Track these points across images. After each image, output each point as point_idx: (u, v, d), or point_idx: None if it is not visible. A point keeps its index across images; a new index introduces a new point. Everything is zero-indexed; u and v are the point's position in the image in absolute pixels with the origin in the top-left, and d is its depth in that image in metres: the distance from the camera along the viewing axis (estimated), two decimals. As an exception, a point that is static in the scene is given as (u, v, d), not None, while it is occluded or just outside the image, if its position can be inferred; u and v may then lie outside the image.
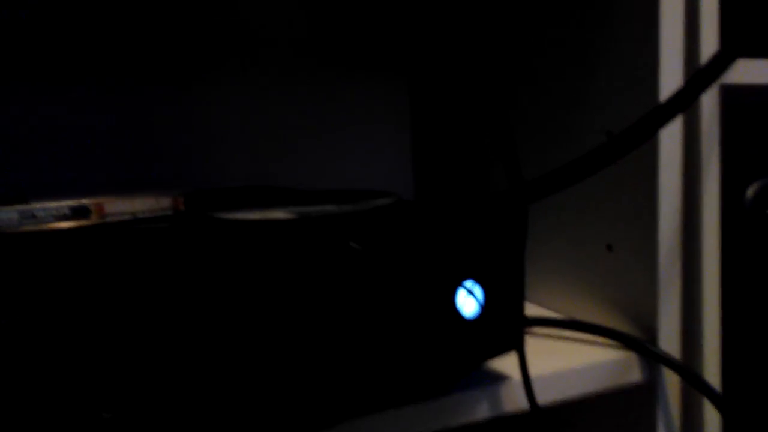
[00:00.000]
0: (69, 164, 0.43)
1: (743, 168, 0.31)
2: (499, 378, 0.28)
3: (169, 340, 0.18)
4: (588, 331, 0.32)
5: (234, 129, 0.48)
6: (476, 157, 0.45)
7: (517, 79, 0.39)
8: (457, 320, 0.24)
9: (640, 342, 0.30)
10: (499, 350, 0.26)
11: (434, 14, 0.50)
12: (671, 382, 0.31)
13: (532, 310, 0.38)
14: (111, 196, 0.27)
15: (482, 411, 0.27)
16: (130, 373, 0.18)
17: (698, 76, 0.22)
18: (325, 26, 0.50)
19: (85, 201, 0.24)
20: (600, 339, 0.33)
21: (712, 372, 0.31)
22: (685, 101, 0.22)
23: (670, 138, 0.30)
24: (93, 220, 0.25)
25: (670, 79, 0.29)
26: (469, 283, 0.25)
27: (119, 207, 0.25)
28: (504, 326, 0.26)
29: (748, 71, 0.31)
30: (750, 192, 0.31)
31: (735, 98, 0.31)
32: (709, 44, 0.30)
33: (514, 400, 0.28)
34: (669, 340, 0.30)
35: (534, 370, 0.29)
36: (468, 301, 0.25)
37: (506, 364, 0.30)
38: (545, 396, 0.28)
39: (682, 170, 0.30)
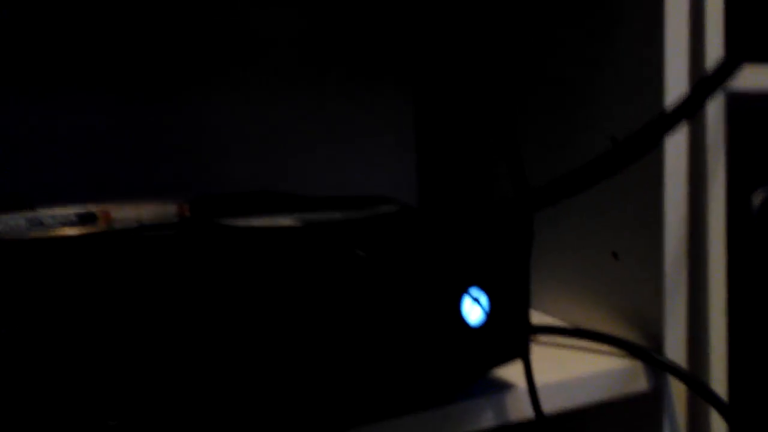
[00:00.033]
0: (71, 168, 0.43)
1: (749, 175, 0.31)
2: (504, 386, 0.28)
3: (176, 348, 0.18)
4: (593, 339, 0.32)
5: (239, 135, 0.48)
6: (480, 164, 0.45)
7: (522, 87, 0.39)
8: (463, 328, 0.24)
9: (646, 350, 0.30)
10: (505, 358, 0.26)
11: (439, 21, 0.50)
12: (677, 390, 0.31)
13: (537, 318, 0.38)
14: (117, 202, 0.27)
15: (487, 419, 0.27)
16: (137, 380, 0.18)
17: (704, 83, 0.22)
18: (330, 33, 0.50)
19: (91, 207, 0.25)
20: (605, 347, 0.33)
21: (718, 381, 0.31)
22: (691, 108, 0.22)
23: (676, 145, 0.30)
24: (99, 226, 0.25)
25: (676, 85, 0.29)
26: (474, 291, 0.24)
27: (125, 213, 0.25)
28: (509, 334, 0.26)
29: (753, 78, 0.31)
30: (756, 199, 0.31)
31: (740, 105, 0.31)
32: (714, 50, 0.30)
33: (520, 408, 0.27)
34: (675, 349, 0.30)
35: (539, 379, 0.28)
36: (473, 309, 0.25)
37: (511, 372, 0.29)
38: (551, 404, 0.28)
39: (687, 177, 0.30)
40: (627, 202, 0.32)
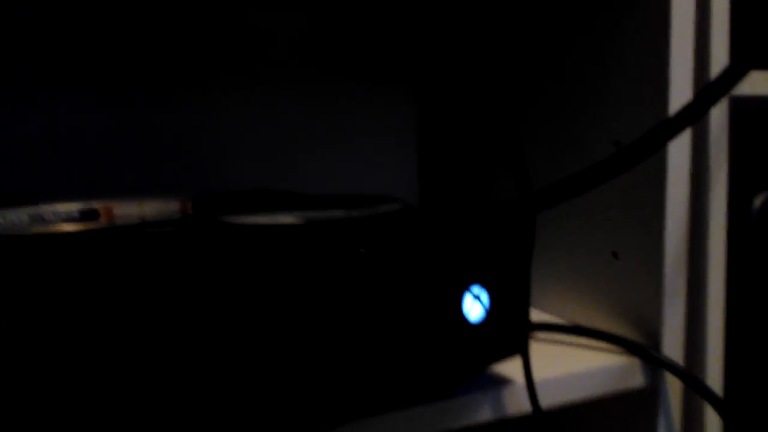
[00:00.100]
0: (74, 169, 0.43)
1: (750, 178, 0.31)
2: (502, 381, 0.28)
3: (177, 345, 0.18)
4: (592, 336, 0.33)
5: (240, 135, 0.48)
6: (481, 165, 0.45)
7: (526, 90, 0.39)
8: (463, 325, 0.25)
9: (644, 348, 0.30)
10: (504, 354, 0.26)
11: (441, 21, 0.49)
12: (673, 387, 0.31)
13: (536, 315, 0.39)
14: (119, 199, 0.27)
15: (485, 414, 0.27)
16: (138, 377, 0.18)
17: (708, 90, 0.22)
18: (331, 33, 0.49)
19: (94, 204, 0.24)
20: (603, 344, 0.33)
21: (714, 378, 0.31)
22: (695, 114, 0.22)
23: (679, 148, 0.30)
24: (102, 223, 0.25)
25: (680, 91, 0.29)
26: (475, 289, 0.25)
27: (128, 210, 0.25)
28: (509, 331, 0.26)
29: (757, 83, 0.31)
30: (757, 202, 0.31)
31: (743, 109, 0.30)
32: (720, 57, 0.30)
33: (518, 403, 0.28)
34: (672, 347, 0.31)
35: (538, 374, 0.29)
36: (474, 306, 0.25)
37: (510, 367, 0.30)
38: (548, 399, 0.29)
39: (689, 179, 0.30)
40: (628, 202, 0.32)
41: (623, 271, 0.32)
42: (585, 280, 0.35)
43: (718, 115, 0.30)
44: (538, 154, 0.38)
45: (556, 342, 0.34)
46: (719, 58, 0.30)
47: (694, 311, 0.32)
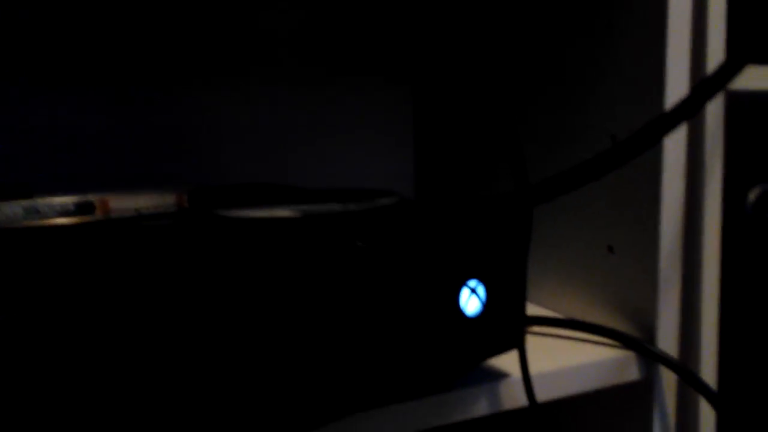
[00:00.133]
0: (71, 165, 0.43)
1: (745, 172, 0.31)
2: (499, 375, 0.28)
3: (173, 338, 0.18)
4: (587, 330, 0.33)
5: (239, 132, 0.48)
6: (477, 160, 0.45)
7: (523, 86, 0.39)
8: (460, 318, 0.25)
9: (639, 341, 0.31)
10: (501, 348, 0.26)
11: (438, 17, 0.49)
12: (668, 380, 0.31)
13: (532, 309, 0.39)
14: (115, 192, 0.27)
15: (482, 407, 0.27)
16: (133, 370, 0.18)
17: (704, 85, 0.22)
18: (329, 29, 0.49)
19: (89, 197, 0.24)
20: (599, 338, 0.33)
21: (708, 371, 0.32)
22: (691, 109, 0.22)
23: (674, 142, 0.30)
24: (97, 216, 0.25)
25: (676, 86, 0.29)
26: (472, 282, 0.25)
27: (123, 203, 0.25)
28: (506, 325, 0.26)
29: (753, 77, 0.31)
30: (751, 196, 0.31)
31: (739, 104, 0.31)
32: (716, 52, 0.30)
33: (514, 396, 0.28)
34: (667, 340, 0.31)
35: (534, 368, 0.29)
36: (471, 300, 0.25)
37: (506, 361, 0.30)
38: (544, 393, 0.29)
39: (685, 173, 0.30)
40: (624, 196, 0.32)
41: (618, 265, 0.33)
42: (580, 274, 0.35)
43: (714, 110, 0.30)
44: (534, 149, 0.38)
45: (551, 336, 0.34)
46: (715, 53, 0.30)
47: (688, 305, 0.32)
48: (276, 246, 0.20)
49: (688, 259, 0.32)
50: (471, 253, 0.25)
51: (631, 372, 0.31)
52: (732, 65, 0.22)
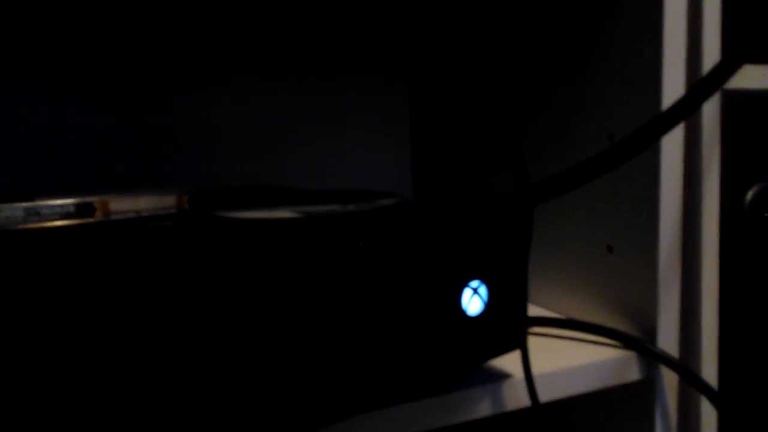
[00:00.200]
0: (71, 166, 0.43)
1: (743, 171, 0.32)
2: (501, 376, 0.28)
3: (175, 340, 0.18)
4: (588, 330, 0.33)
5: (236, 131, 0.48)
6: (475, 160, 0.45)
7: (521, 87, 0.39)
8: (462, 319, 0.25)
9: (640, 341, 0.31)
10: (503, 349, 0.26)
11: (436, 17, 0.50)
12: (669, 380, 0.31)
13: (532, 310, 0.39)
14: (116, 194, 0.27)
15: (485, 408, 0.27)
16: (135, 372, 0.18)
17: (700, 85, 0.22)
18: (326, 29, 0.49)
19: (89, 199, 0.24)
20: (600, 338, 0.33)
21: (709, 370, 0.32)
22: (688, 109, 0.23)
23: (672, 142, 0.30)
24: (97, 217, 0.25)
25: (673, 86, 0.29)
26: (474, 283, 0.25)
27: (124, 205, 0.25)
28: (508, 325, 0.26)
29: (749, 76, 0.31)
30: (749, 195, 0.31)
31: (735, 103, 0.31)
32: (712, 52, 0.30)
33: (516, 397, 0.28)
34: (668, 340, 0.31)
35: (535, 368, 0.29)
36: (473, 301, 0.25)
37: (508, 362, 0.30)
38: (547, 394, 0.29)
39: (683, 173, 0.31)
40: (623, 196, 0.32)
41: (618, 264, 0.33)
42: (580, 274, 0.35)
43: (711, 109, 0.31)
44: (531, 149, 0.38)
45: (552, 336, 0.34)
46: (711, 54, 0.30)
47: (688, 304, 0.32)
48: (278, 247, 0.20)
49: (688, 258, 0.32)
50: (473, 254, 0.25)
51: (633, 372, 0.31)
52: (728, 65, 0.22)
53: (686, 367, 0.30)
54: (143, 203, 0.25)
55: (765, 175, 0.32)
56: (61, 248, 0.19)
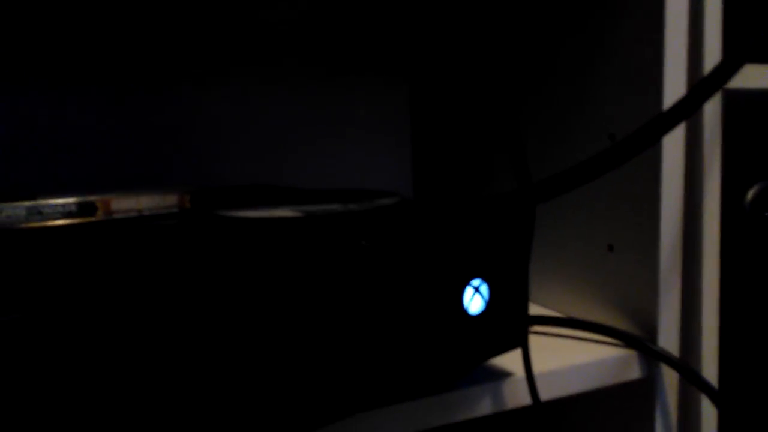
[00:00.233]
0: (74, 164, 0.43)
1: (743, 171, 0.32)
2: (502, 374, 0.28)
3: (177, 339, 0.18)
4: (589, 329, 0.33)
5: (237, 130, 0.48)
6: (475, 159, 0.45)
7: (522, 84, 0.39)
8: (464, 318, 0.25)
9: (640, 340, 0.31)
10: (504, 347, 0.26)
11: (436, 16, 0.50)
12: (670, 378, 0.31)
13: (533, 309, 0.39)
14: (118, 193, 0.27)
15: (485, 406, 0.27)
16: (136, 370, 0.18)
17: (701, 85, 0.22)
18: (327, 28, 0.49)
19: (91, 198, 0.24)
20: (601, 337, 0.33)
21: (709, 369, 0.32)
22: (689, 109, 0.23)
23: (673, 141, 0.30)
24: (99, 216, 0.25)
25: (674, 85, 0.30)
26: (475, 281, 0.25)
27: (126, 204, 0.25)
28: (509, 324, 0.26)
29: (749, 76, 0.31)
30: (750, 195, 0.31)
31: (736, 102, 0.31)
32: (713, 52, 0.30)
33: (517, 396, 0.28)
34: (668, 339, 0.31)
35: (535, 367, 0.29)
36: (474, 299, 0.25)
37: (508, 360, 0.30)
38: (547, 392, 0.29)
39: (683, 173, 0.31)
40: (624, 195, 0.32)
41: (619, 263, 0.33)
42: (581, 273, 0.35)
43: (712, 109, 0.31)
44: (532, 148, 0.39)
45: (552, 335, 0.34)
46: (712, 53, 0.30)
47: (689, 303, 0.32)
48: (279, 246, 0.20)
49: (688, 258, 0.32)
50: (474, 252, 0.25)
51: (633, 370, 0.31)
52: (729, 65, 0.22)
53: (687, 365, 0.30)
54: (145, 202, 0.25)
55: (766, 174, 0.32)
56: (63, 247, 0.19)
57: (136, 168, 0.45)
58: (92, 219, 0.25)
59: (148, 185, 0.44)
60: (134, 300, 0.18)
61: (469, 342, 0.25)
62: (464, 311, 0.25)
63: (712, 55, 0.30)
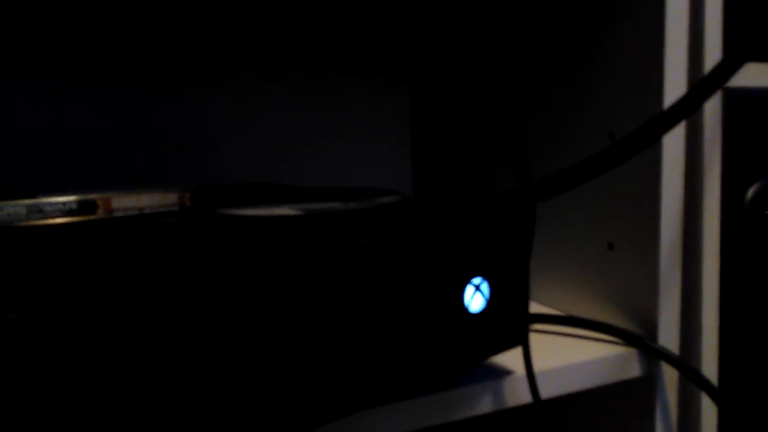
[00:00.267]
0: (74, 164, 0.43)
1: (743, 169, 0.32)
2: (502, 372, 0.28)
3: (177, 337, 0.18)
4: (588, 327, 0.33)
5: (237, 131, 0.48)
6: (475, 158, 0.45)
7: (522, 83, 0.40)
8: (464, 316, 0.25)
9: (640, 338, 0.31)
10: (505, 345, 0.26)
11: (436, 16, 0.50)
12: (670, 376, 0.31)
13: (533, 307, 0.39)
14: (118, 191, 0.27)
15: (486, 404, 0.27)
16: (136, 368, 0.18)
17: (702, 84, 0.22)
18: (326, 28, 0.50)
19: (92, 196, 0.24)
20: (601, 335, 0.33)
21: (709, 367, 0.32)
22: (689, 108, 0.23)
23: (673, 140, 0.30)
24: (100, 215, 0.25)
25: (674, 84, 0.30)
26: (476, 279, 0.25)
27: (126, 202, 0.25)
28: (510, 322, 0.26)
29: (750, 75, 0.31)
30: (750, 193, 0.31)
31: (736, 101, 0.31)
32: (713, 51, 0.30)
33: (518, 394, 0.28)
34: (668, 337, 0.31)
35: (537, 365, 0.29)
36: (475, 297, 0.25)
37: (509, 359, 0.30)
38: (548, 390, 0.29)
39: (684, 171, 0.31)
40: (624, 194, 0.32)
41: (619, 262, 0.33)
42: (581, 271, 0.36)
43: (712, 108, 0.31)
44: (533, 148, 0.39)
45: (553, 333, 0.34)
46: (713, 52, 0.30)
47: (689, 301, 0.32)
48: (280, 244, 0.20)
49: (688, 256, 0.32)
50: (475, 251, 0.25)
51: (633, 369, 0.31)
52: (729, 64, 0.22)
53: (687, 363, 0.30)
54: (146, 200, 0.25)
55: (766, 172, 0.32)
56: (63, 245, 0.19)
57: (136, 168, 0.45)
58: (93, 217, 0.25)
59: (149, 184, 0.44)
60: (135, 298, 0.18)
61: (470, 340, 0.25)
62: (465, 309, 0.25)
63: (713, 53, 0.30)
